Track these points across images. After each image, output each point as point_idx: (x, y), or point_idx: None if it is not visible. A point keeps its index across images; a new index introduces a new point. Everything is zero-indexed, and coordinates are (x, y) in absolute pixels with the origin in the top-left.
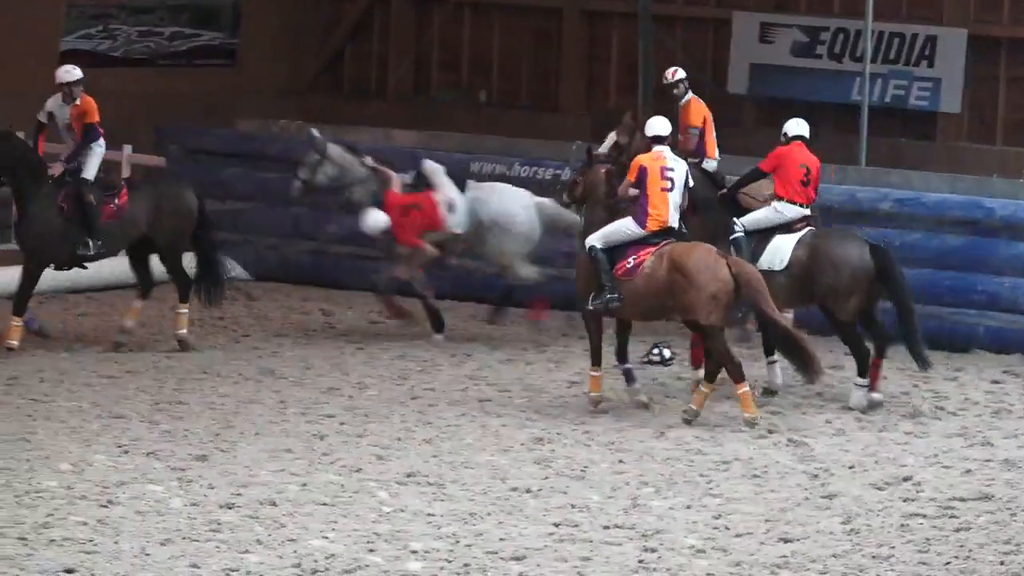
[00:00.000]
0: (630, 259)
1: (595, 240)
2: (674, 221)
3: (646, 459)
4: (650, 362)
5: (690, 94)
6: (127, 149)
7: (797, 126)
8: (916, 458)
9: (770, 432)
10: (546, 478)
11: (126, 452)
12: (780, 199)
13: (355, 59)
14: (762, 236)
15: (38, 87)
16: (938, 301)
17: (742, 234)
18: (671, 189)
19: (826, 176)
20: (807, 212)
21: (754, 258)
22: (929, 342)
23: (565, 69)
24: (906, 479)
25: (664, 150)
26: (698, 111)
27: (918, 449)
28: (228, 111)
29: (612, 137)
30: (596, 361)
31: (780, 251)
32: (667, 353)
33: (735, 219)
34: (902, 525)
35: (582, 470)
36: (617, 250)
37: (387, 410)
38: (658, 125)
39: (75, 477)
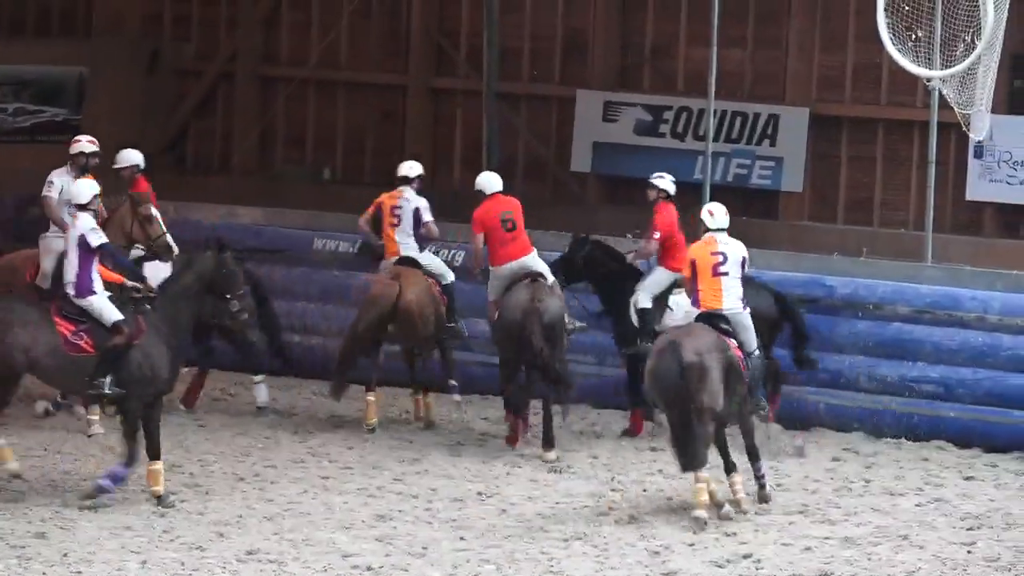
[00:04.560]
0: None
1: None
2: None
3: (487, 536)
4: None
5: None
6: None
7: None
8: (757, 535)
9: (611, 509)
10: (388, 555)
11: None
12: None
13: (199, 135)
14: None
15: None
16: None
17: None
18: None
19: None
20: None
21: None
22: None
23: (410, 146)
24: (746, 556)
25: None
26: None
27: (759, 526)
28: None
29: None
30: None
31: None
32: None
33: None
34: None
35: (423, 548)
36: None
37: (228, 487)
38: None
39: None
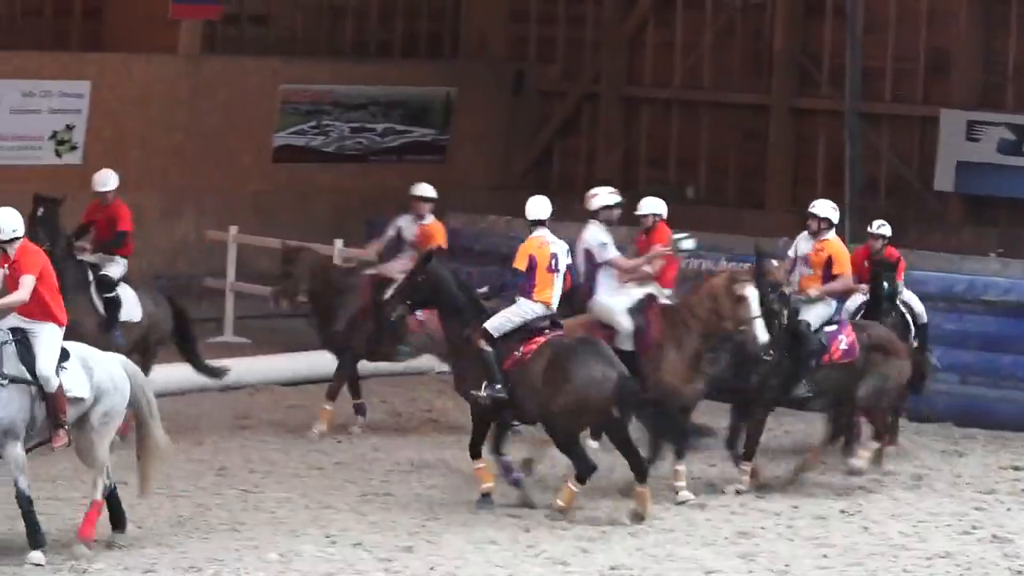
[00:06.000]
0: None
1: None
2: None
3: (849, 554)
4: None
5: None
6: (339, 243)
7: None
8: None
9: (974, 528)
10: (750, 572)
11: (333, 543)
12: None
13: (563, 155)
14: None
15: (252, 183)
16: None
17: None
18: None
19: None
20: None
21: None
22: None
23: (772, 166)
24: None
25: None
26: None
27: None
28: (438, 206)
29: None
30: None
31: None
32: None
33: None
34: None
35: (785, 565)
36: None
37: (593, 503)
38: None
39: (283, 567)
